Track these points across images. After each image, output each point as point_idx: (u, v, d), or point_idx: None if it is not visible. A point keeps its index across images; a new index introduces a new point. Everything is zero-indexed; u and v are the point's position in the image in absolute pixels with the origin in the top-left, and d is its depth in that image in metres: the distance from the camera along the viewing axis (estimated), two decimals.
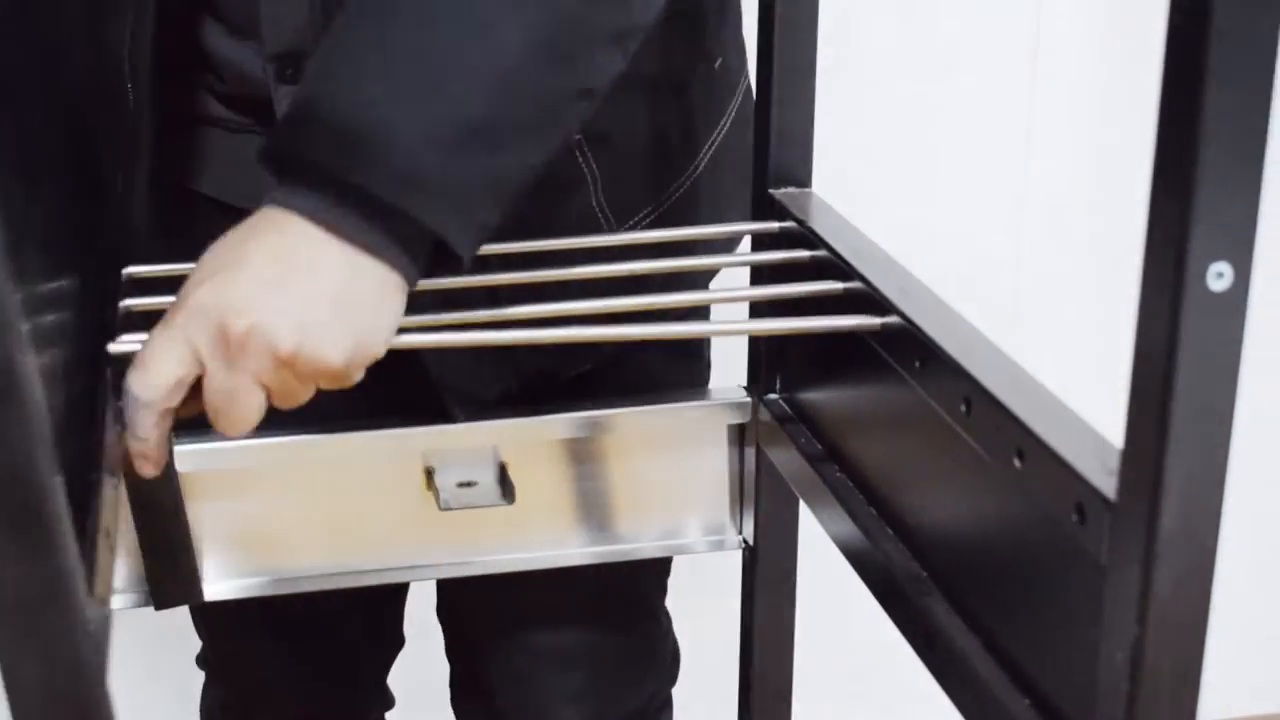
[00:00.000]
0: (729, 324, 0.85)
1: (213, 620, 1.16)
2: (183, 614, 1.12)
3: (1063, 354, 1.55)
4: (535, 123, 0.72)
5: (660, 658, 1.16)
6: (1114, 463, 0.55)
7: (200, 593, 0.93)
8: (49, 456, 0.48)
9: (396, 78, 0.69)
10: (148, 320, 0.80)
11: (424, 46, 0.70)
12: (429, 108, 0.69)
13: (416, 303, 0.74)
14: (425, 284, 0.76)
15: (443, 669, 1.20)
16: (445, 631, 1.18)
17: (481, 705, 1.15)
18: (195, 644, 1.21)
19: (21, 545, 0.49)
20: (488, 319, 0.78)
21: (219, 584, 0.93)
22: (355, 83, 0.69)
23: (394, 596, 1.20)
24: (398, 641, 1.23)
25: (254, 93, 0.91)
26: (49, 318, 0.60)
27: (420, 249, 0.71)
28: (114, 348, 0.73)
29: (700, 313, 1.07)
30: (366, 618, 1.18)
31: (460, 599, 1.11)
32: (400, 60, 0.69)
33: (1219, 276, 0.49)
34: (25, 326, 0.47)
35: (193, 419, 0.73)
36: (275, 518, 0.93)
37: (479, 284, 0.85)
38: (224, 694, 1.21)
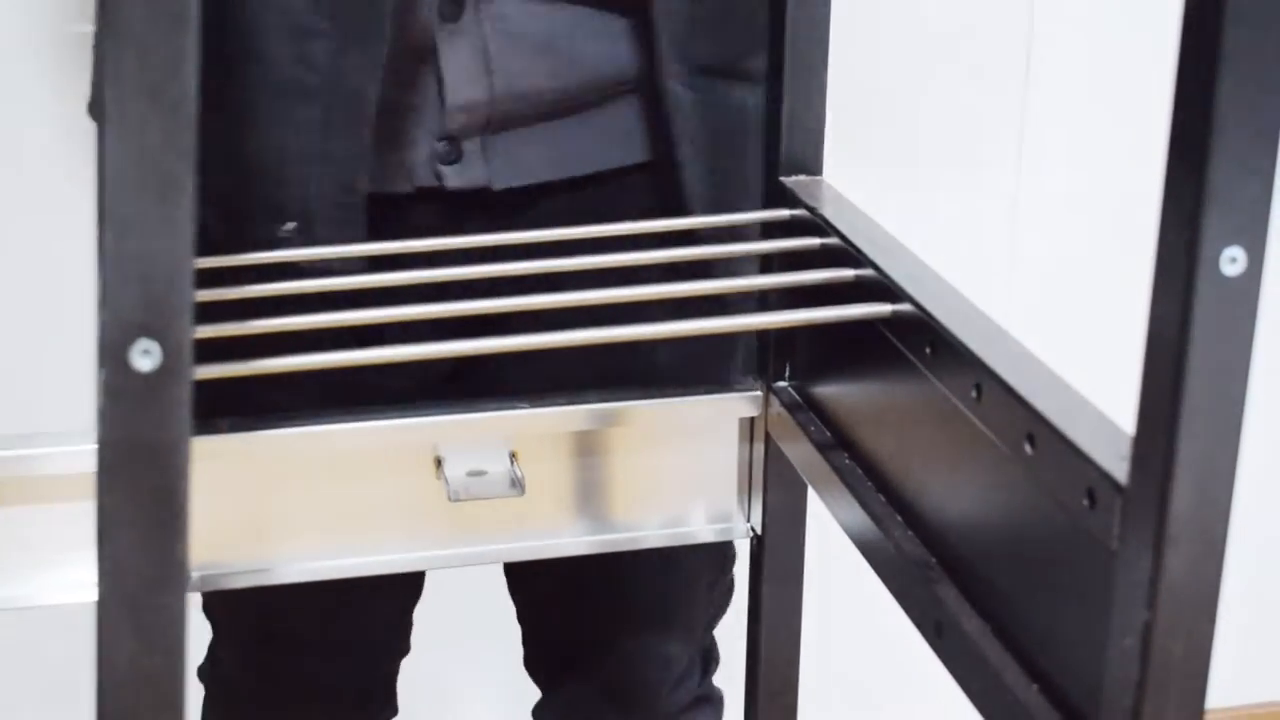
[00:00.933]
0: (740, 318, 0.85)
1: (226, 631, 1.16)
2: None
3: (1057, 347, 1.55)
4: None
5: (725, 598, 1.18)
6: (1125, 448, 0.55)
7: (198, 582, 0.93)
8: (189, 442, 0.49)
9: None
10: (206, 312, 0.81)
11: None
12: None
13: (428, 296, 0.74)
14: (431, 275, 0.76)
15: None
16: (523, 605, 1.20)
17: (575, 667, 1.16)
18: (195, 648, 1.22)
19: (149, 524, 0.49)
20: (499, 309, 0.78)
21: (224, 574, 0.93)
22: None
23: (413, 599, 1.20)
24: (406, 647, 1.24)
25: (416, 42, 0.92)
26: None
27: None
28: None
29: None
30: (388, 621, 1.19)
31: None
32: None
33: (1232, 261, 0.49)
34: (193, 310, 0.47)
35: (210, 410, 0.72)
36: (282, 507, 0.93)
37: (488, 275, 0.85)
38: (222, 706, 1.21)
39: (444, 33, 0.93)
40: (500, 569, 1.20)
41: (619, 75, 0.99)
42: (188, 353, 0.47)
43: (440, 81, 0.96)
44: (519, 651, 1.26)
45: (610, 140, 1.01)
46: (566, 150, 1.01)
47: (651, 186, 1.01)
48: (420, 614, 1.24)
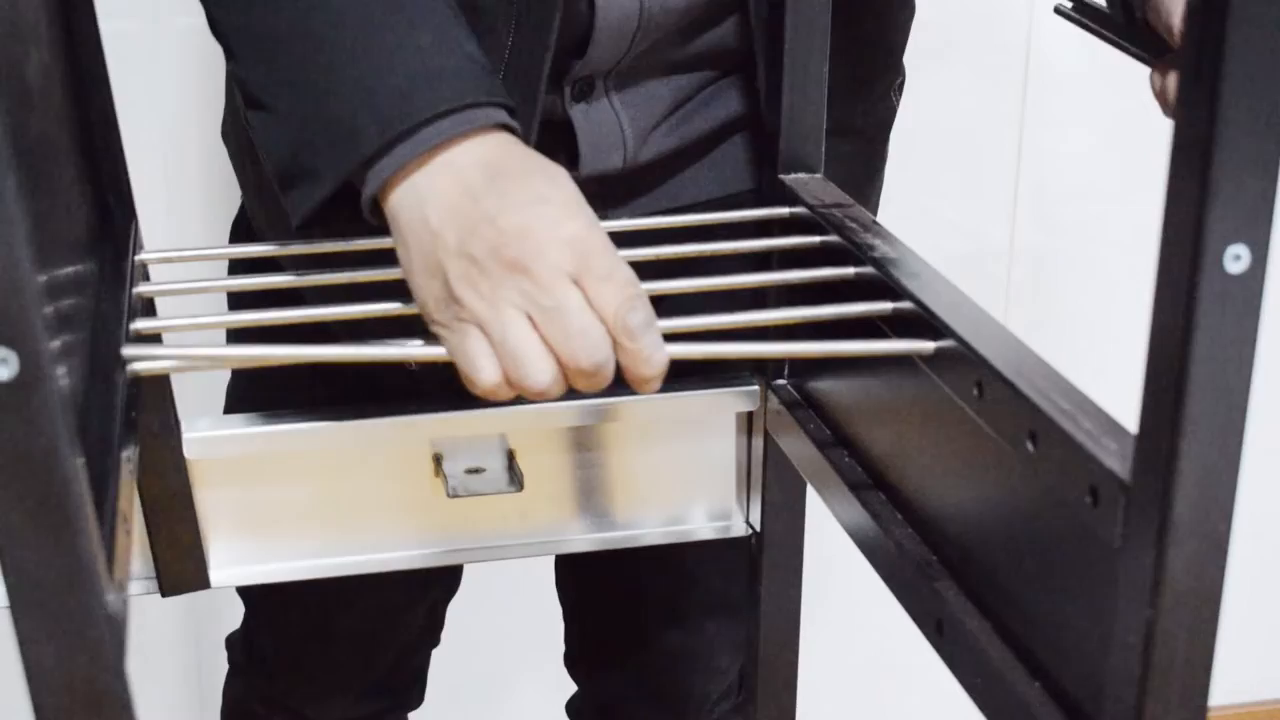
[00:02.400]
0: (741, 315, 0.85)
1: (259, 612, 1.17)
2: (188, 600, 1.13)
3: (1059, 345, 1.55)
4: None
5: None
6: (1128, 446, 0.55)
7: (207, 580, 0.93)
8: (70, 442, 0.48)
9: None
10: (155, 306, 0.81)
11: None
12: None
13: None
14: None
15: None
16: (574, 599, 1.21)
17: (623, 666, 1.16)
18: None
19: (42, 531, 0.49)
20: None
21: (226, 571, 0.93)
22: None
23: (448, 594, 1.21)
24: (437, 639, 1.25)
25: (547, 116, 0.94)
26: (67, 301, 0.60)
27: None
28: (136, 325, 0.74)
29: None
30: (422, 615, 1.19)
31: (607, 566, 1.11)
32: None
33: (1236, 259, 0.49)
34: (47, 310, 0.47)
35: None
36: (283, 504, 0.93)
37: None
38: (259, 682, 1.22)
39: (577, 110, 0.95)
40: (535, 565, 1.20)
41: (730, 120, 1.01)
42: (48, 359, 0.47)
43: (573, 149, 0.97)
44: (552, 647, 1.26)
45: (718, 173, 1.04)
46: (677, 185, 1.03)
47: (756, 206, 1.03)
48: (455, 608, 1.25)
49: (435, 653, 1.27)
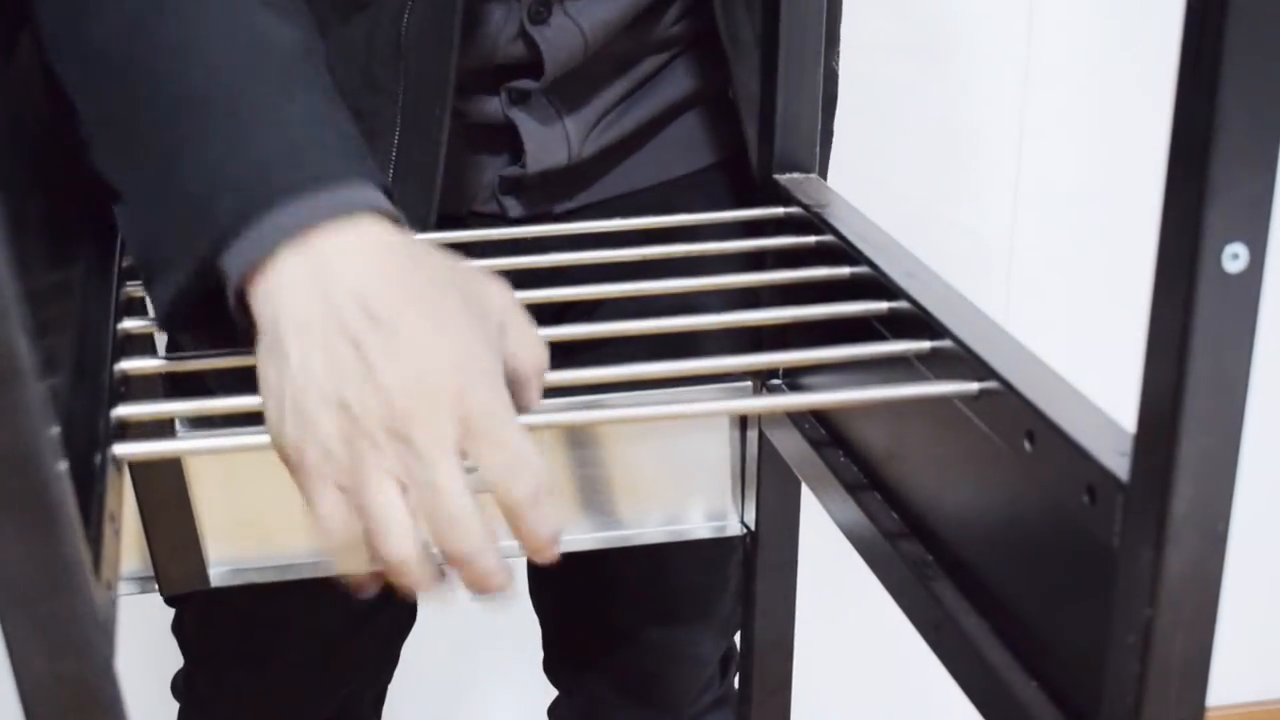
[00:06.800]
0: (736, 315, 0.85)
1: (196, 654, 1.15)
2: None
3: (1057, 344, 1.55)
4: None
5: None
6: (1126, 445, 0.55)
7: (207, 579, 0.92)
8: (52, 442, 0.48)
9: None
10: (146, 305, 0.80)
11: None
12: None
13: None
14: None
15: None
16: (549, 605, 1.20)
17: (603, 667, 1.16)
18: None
19: (26, 532, 0.49)
20: None
21: (225, 570, 0.93)
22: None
23: (401, 632, 1.20)
24: (388, 678, 1.23)
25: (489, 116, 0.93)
26: (53, 301, 0.60)
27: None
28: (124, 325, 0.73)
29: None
30: (372, 654, 1.17)
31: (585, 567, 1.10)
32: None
33: (1234, 258, 0.49)
34: (25, 312, 0.47)
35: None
36: (280, 503, 0.92)
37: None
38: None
39: (516, 113, 0.95)
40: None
41: (673, 104, 1.01)
42: (27, 360, 0.47)
43: (516, 148, 0.97)
44: (531, 652, 1.25)
45: (662, 157, 1.03)
46: (622, 173, 1.03)
47: (720, 182, 1.02)
48: (428, 618, 1.24)
49: (405, 663, 1.24)
